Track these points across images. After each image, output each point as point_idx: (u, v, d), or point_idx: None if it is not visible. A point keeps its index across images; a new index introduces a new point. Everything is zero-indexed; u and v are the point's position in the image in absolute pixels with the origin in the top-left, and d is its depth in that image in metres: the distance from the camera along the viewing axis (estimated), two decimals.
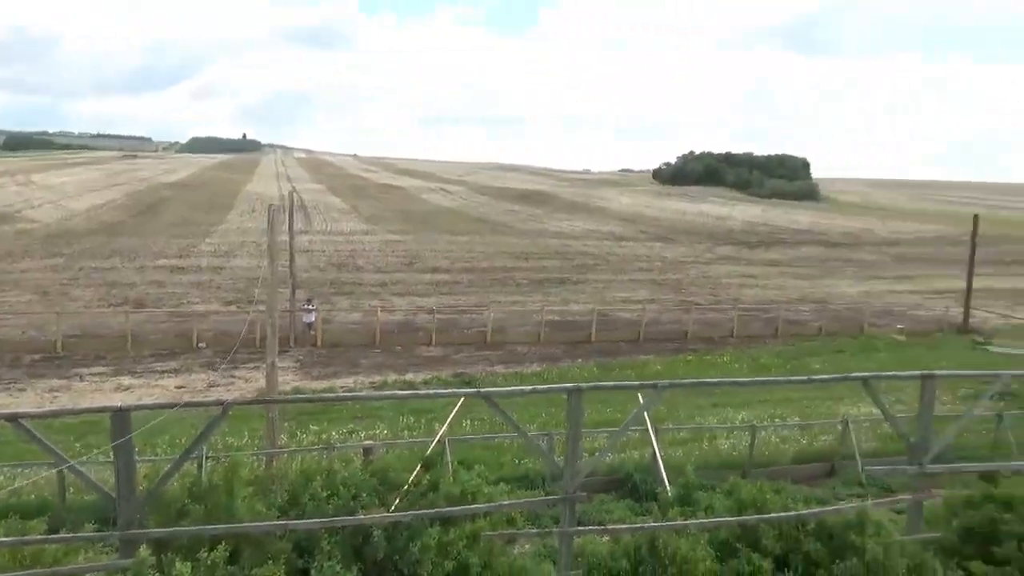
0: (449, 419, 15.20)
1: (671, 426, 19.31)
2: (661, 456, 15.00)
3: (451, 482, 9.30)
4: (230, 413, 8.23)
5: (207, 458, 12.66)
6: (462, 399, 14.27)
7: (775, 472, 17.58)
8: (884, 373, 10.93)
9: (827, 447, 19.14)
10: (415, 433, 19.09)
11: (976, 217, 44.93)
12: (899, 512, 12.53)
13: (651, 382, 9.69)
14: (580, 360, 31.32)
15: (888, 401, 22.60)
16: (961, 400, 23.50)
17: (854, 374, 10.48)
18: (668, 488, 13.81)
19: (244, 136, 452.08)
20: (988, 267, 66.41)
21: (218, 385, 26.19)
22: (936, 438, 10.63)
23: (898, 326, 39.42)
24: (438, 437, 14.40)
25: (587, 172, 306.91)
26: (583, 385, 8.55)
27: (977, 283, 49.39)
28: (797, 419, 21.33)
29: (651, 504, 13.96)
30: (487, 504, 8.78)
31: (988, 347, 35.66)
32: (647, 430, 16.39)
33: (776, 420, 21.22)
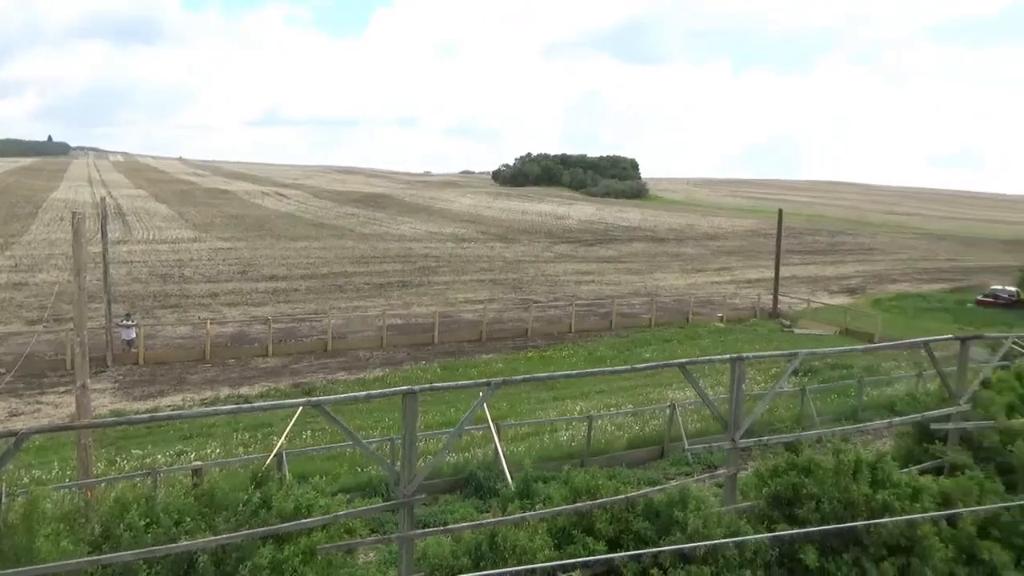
0: (285, 432, 14.66)
1: (513, 422, 19.74)
2: (503, 452, 15.26)
3: (284, 498, 8.97)
4: (29, 443, 7.45)
5: (5, 496, 11.37)
6: (299, 410, 13.79)
7: (611, 459, 18.47)
8: (699, 359, 11.78)
9: (657, 431, 20.35)
10: (250, 450, 18.21)
11: (780, 212, 49.58)
12: (720, 485, 13.48)
13: (485, 380, 9.85)
14: (424, 362, 31.26)
15: (711, 384, 24.45)
16: (772, 379, 25.79)
17: (673, 361, 11.23)
18: (510, 483, 14.09)
19: (50, 138, 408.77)
20: (794, 256, 73.66)
21: (21, 413, 23.63)
22: (747, 415, 11.64)
23: (718, 314, 42.66)
24: (274, 452, 13.83)
25: (428, 174, 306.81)
26: (416, 388, 8.54)
27: (784, 272, 54.53)
28: (631, 407, 22.51)
29: (495, 500, 14.20)
30: (323, 517, 8.55)
31: (793, 329, 39.46)
32: (490, 428, 16.67)
33: (612, 409, 22.28)
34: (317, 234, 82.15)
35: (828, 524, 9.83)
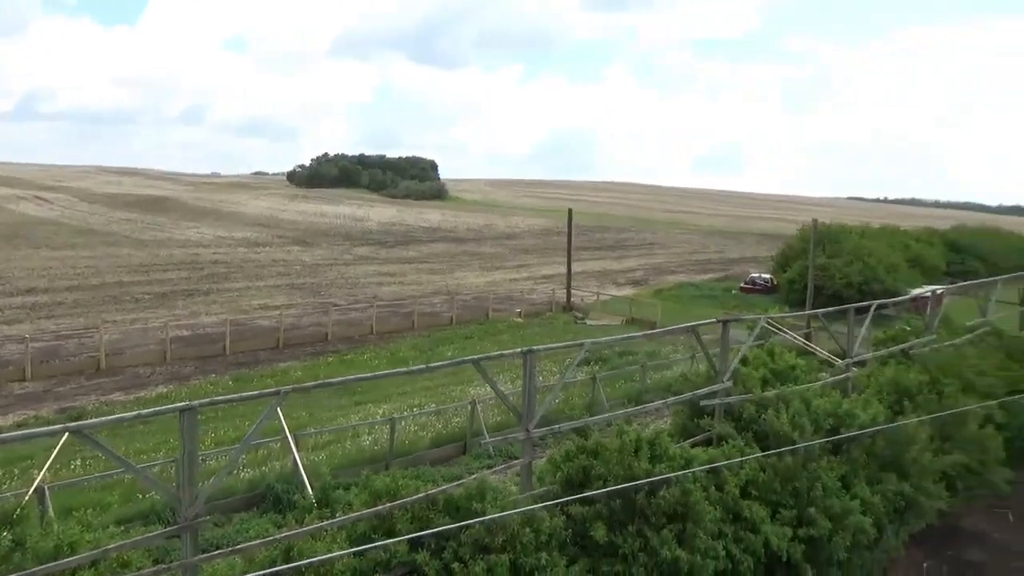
0: (47, 464, 13.06)
1: (313, 430, 19.09)
2: (302, 462, 14.72)
3: (42, 537, 7.98)
4: None
5: None
6: (63, 438, 12.32)
7: (415, 459, 18.47)
8: (492, 354, 12.12)
9: (460, 428, 20.67)
10: (4, 488, 16.00)
11: (570, 212, 52.35)
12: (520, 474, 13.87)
13: (274, 389, 9.40)
14: (214, 375, 29.31)
15: (512, 378, 25.17)
16: (566, 370, 27.20)
17: (467, 358, 11.44)
18: (310, 493, 13.61)
19: None
20: (584, 253, 78.16)
21: None
22: (540, 406, 12.14)
23: (516, 310, 44.19)
24: (32, 487, 12.26)
25: (216, 175, 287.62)
26: (196, 403, 7.96)
27: (576, 267, 57.64)
28: (434, 406, 22.64)
29: (293, 513, 13.61)
30: (90, 552, 7.71)
31: (586, 321, 41.88)
32: (288, 438, 15.99)
33: (415, 409, 22.27)
34: (86, 242, 74.10)
35: (615, 501, 10.54)
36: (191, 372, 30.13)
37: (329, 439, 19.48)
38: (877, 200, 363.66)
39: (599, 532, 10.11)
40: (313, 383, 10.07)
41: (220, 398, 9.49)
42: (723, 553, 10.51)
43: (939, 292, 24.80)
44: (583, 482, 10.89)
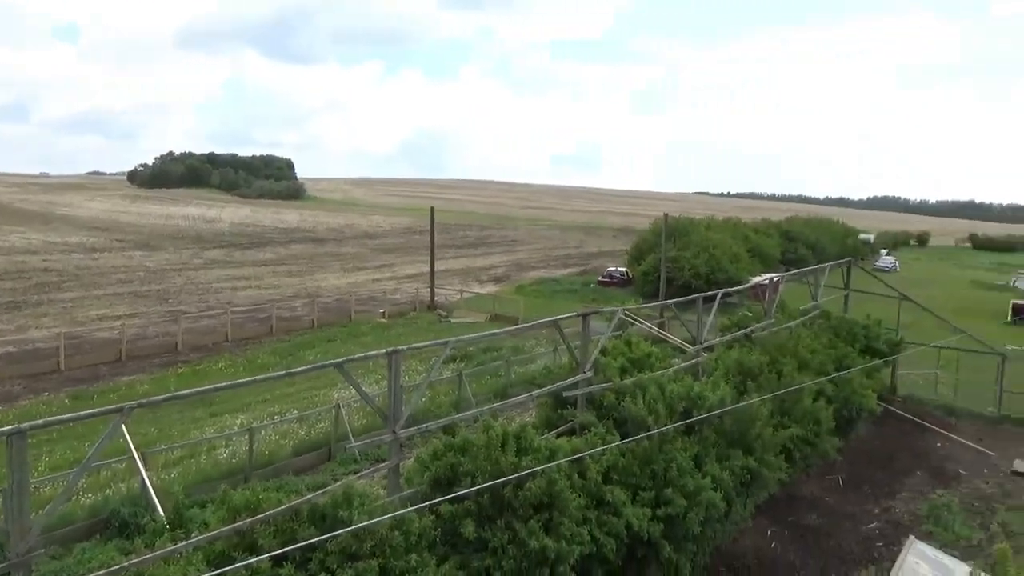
0: None
1: (163, 447, 17.91)
2: (151, 482, 13.76)
3: None
4: None
5: None
6: None
7: (277, 469, 17.78)
8: (356, 356, 11.85)
9: (325, 433, 20.09)
10: None
11: (432, 210, 52.13)
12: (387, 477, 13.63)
13: (116, 406, 8.73)
14: (47, 394, 26.80)
15: (378, 379, 24.73)
16: (431, 368, 27.10)
17: (330, 361, 11.13)
18: (161, 515, 12.74)
19: None
20: (447, 251, 78.19)
21: None
22: (406, 406, 12.03)
23: (380, 310, 43.51)
24: None
25: (45, 176, 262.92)
26: (24, 426, 7.25)
27: (439, 266, 57.50)
28: (296, 412, 21.88)
29: (142, 538, 12.71)
30: None
31: (450, 319, 41.92)
32: (134, 457, 14.89)
33: (276, 417, 21.42)
34: None
35: (484, 496, 10.62)
36: (20, 392, 27.37)
37: (182, 455, 18.35)
38: (721, 195, 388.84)
39: (468, 529, 10.16)
40: (162, 396, 9.44)
41: (54, 418, 8.69)
42: (588, 538, 10.86)
43: (776, 279, 26.82)
44: (452, 480, 10.90)
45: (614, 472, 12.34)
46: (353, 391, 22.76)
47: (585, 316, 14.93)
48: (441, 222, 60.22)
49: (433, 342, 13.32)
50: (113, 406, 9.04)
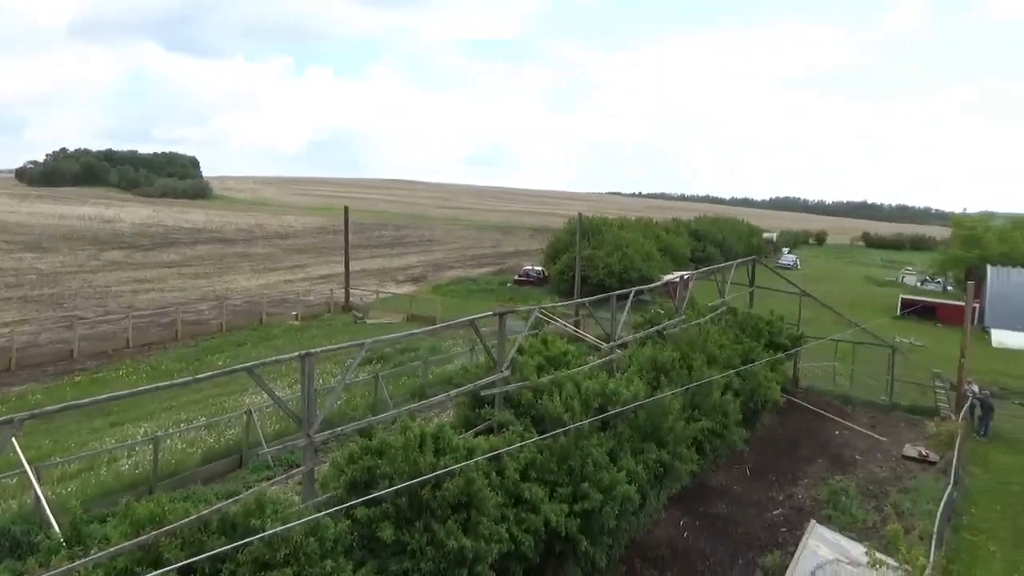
0: None
1: (59, 460, 16.91)
2: (45, 497, 12.97)
3: None
4: None
5: None
6: None
7: (184, 479, 17.09)
8: (267, 360, 11.51)
9: (235, 440, 19.44)
10: None
11: (346, 209, 51.27)
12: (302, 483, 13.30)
13: (5, 417, 8.20)
14: None
15: (291, 383, 24.09)
16: (347, 370, 26.63)
17: (240, 365, 10.77)
18: (56, 531, 12.03)
19: None
20: (362, 251, 77.00)
21: None
22: (321, 409, 11.77)
23: (293, 313, 42.42)
24: None
25: None
26: None
27: (354, 266, 56.52)
28: (204, 419, 21.07)
29: (35, 557, 11.97)
30: None
31: (366, 320, 41.30)
32: (27, 472, 14.00)
33: (182, 425, 20.59)
34: None
35: (402, 498, 10.51)
36: None
37: (80, 467, 17.39)
38: (633, 195, 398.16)
39: (386, 532, 10.04)
40: (56, 406, 8.92)
41: None
42: (507, 536, 10.92)
43: (686, 277, 27.68)
44: (369, 483, 10.74)
45: (532, 469, 12.45)
46: (265, 396, 22.16)
47: (502, 315, 14.99)
48: (356, 221, 59.36)
49: (348, 343, 13.08)
50: (2, 418, 8.48)
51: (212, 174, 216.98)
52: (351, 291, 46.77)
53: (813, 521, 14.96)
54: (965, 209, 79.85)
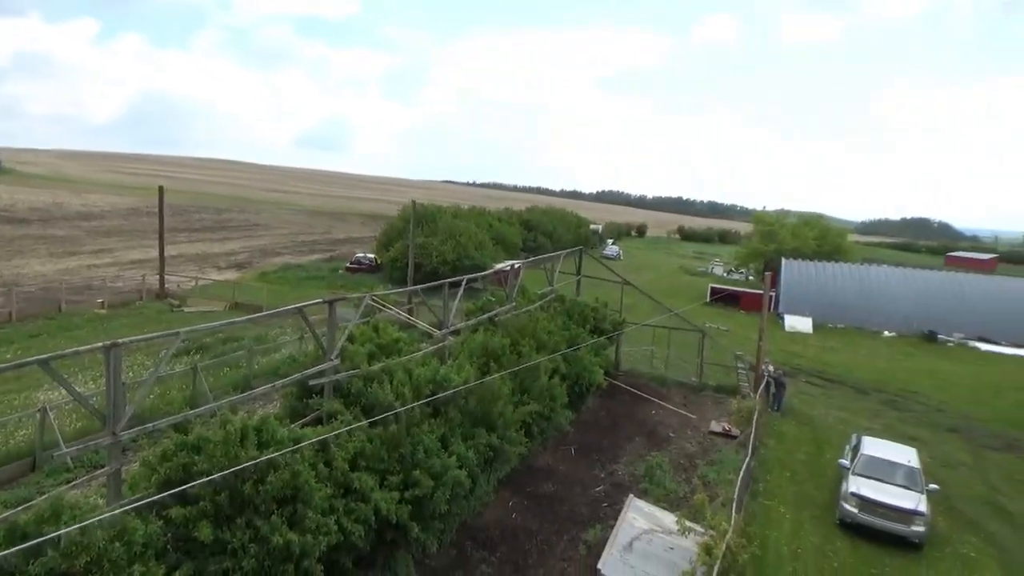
0: None
1: None
2: None
3: None
4: None
5: None
6: None
7: None
8: (66, 351, 10.45)
9: (27, 441, 17.52)
10: None
11: (161, 189, 47.48)
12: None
13: None
14: None
15: (95, 376, 22.02)
16: (160, 362, 24.79)
17: (32, 358, 9.70)
18: None
19: None
20: (180, 235, 71.81)
21: None
22: (130, 404, 10.86)
23: (98, 300, 38.76)
24: None
25: None
26: None
27: (171, 250, 52.67)
28: None
29: None
30: None
31: (183, 309, 38.61)
32: None
33: None
34: None
35: (221, 495, 9.96)
36: None
37: None
38: (467, 184, 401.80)
39: (204, 531, 9.50)
40: None
41: None
42: (335, 528, 10.69)
43: (517, 266, 28.33)
44: (185, 481, 10.08)
45: (362, 458, 12.27)
46: (65, 392, 20.13)
47: (331, 303, 14.59)
48: (173, 203, 55.25)
49: (162, 333, 12.12)
50: None
51: (4, 146, 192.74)
52: (167, 277, 43.51)
53: (631, 495, 15.94)
54: (764, 207, 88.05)
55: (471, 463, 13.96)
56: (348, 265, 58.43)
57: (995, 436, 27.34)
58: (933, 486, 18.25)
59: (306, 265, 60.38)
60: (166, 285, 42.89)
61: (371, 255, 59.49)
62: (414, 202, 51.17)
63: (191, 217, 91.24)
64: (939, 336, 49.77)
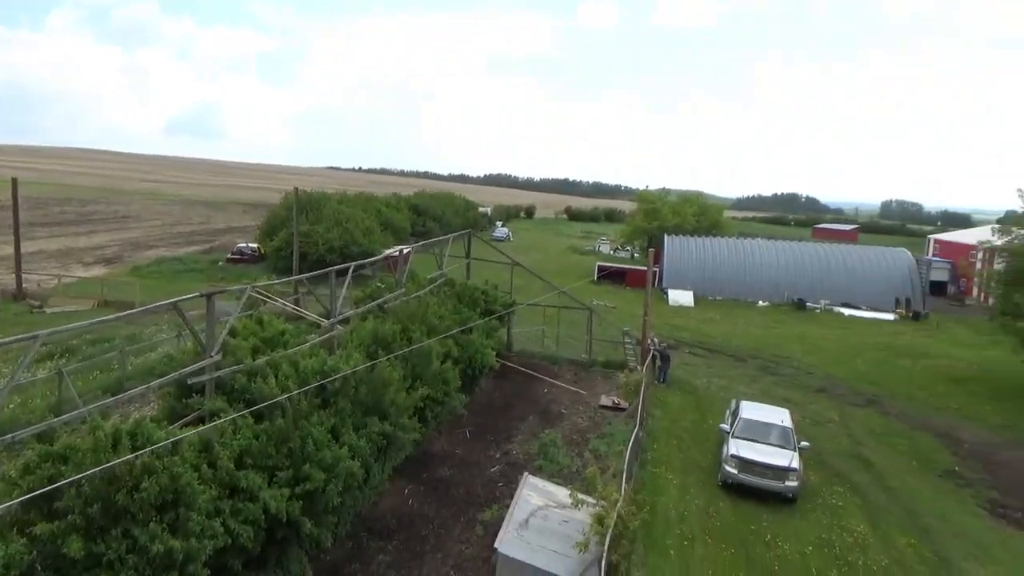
0: None
1: None
2: None
3: None
4: None
5: None
6: None
7: None
8: None
9: None
10: None
11: (15, 180, 43.73)
12: None
13: None
14: None
15: None
16: (17, 368, 22.99)
17: None
18: None
19: None
20: (39, 230, 66.51)
21: None
22: None
23: None
24: None
25: None
26: None
27: (30, 247, 48.73)
28: None
29: None
30: None
31: (45, 309, 35.87)
32: None
33: None
34: None
35: (93, 506, 9.37)
36: None
37: None
38: (353, 170, 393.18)
39: (74, 547, 8.92)
40: None
41: None
42: (221, 530, 10.30)
43: (406, 251, 28.02)
44: (51, 494, 9.42)
45: (248, 456, 11.85)
46: None
47: (210, 296, 13.95)
48: (31, 196, 51.03)
49: (18, 337, 11.23)
50: None
51: None
52: (25, 276, 40.24)
53: (526, 473, 16.20)
54: (647, 186, 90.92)
55: (364, 453, 13.77)
56: (229, 256, 56.01)
57: (857, 393, 29.62)
58: (804, 443, 19.57)
59: (183, 258, 57.41)
60: (24, 285, 39.69)
61: (254, 245, 57.27)
62: (296, 189, 49.60)
63: (51, 210, 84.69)
64: (807, 303, 53.21)
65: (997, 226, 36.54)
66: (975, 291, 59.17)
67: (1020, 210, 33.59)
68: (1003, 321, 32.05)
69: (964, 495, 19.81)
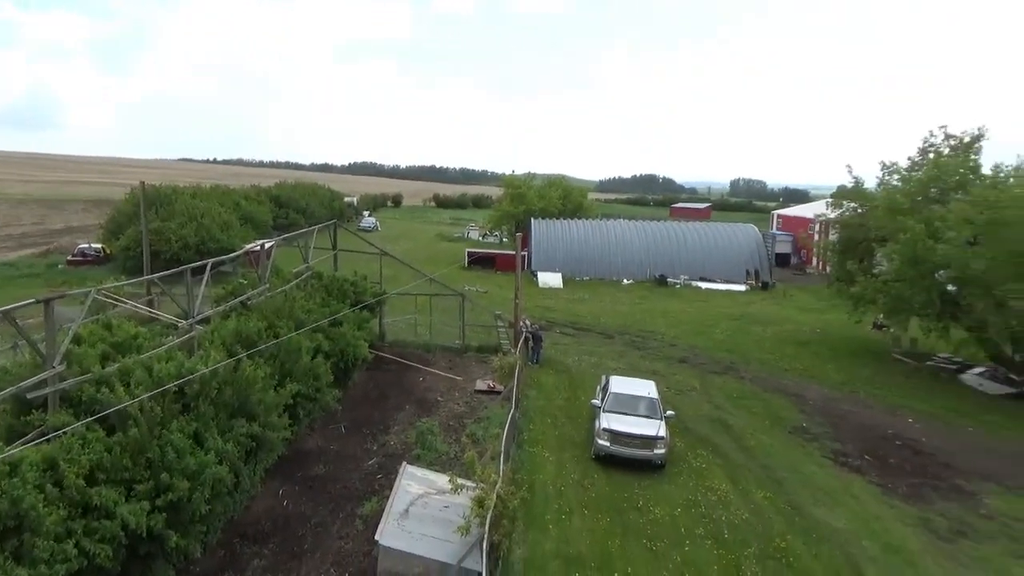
0: None
1: None
2: None
3: None
4: None
5: None
6: None
7: None
8: None
9: None
10: None
11: None
12: None
13: None
14: None
15: None
16: None
17: None
18: None
19: None
20: None
21: None
22: None
23: None
24: None
25: None
26: None
27: None
28: None
29: None
30: None
31: None
32: None
33: None
34: None
35: None
36: None
37: None
38: (207, 161, 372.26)
39: None
40: None
41: None
42: (75, 552, 9.58)
43: (268, 245, 26.93)
44: None
45: (100, 471, 11.05)
46: None
47: (48, 302, 12.85)
48: None
49: None
50: None
51: None
52: None
53: (405, 463, 16.11)
54: (513, 171, 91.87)
55: (232, 456, 13.20)
56: (70, 258, 51.75)
57: (716, 362, 31.51)
58: (670, 412, 20.62)
59: (15, 262, 52.42)
60: None
61: (97, 245, 53.17)
62: (143, 183, 46.38)
63: None
64: (668, 279, 55.94)
65: (830, 200, 39.84)
66: (814, 261, 64.45)
67: (850, 185, 36.79)
68: (838, 287, 35.12)
69: (811, 448, 21.58)
